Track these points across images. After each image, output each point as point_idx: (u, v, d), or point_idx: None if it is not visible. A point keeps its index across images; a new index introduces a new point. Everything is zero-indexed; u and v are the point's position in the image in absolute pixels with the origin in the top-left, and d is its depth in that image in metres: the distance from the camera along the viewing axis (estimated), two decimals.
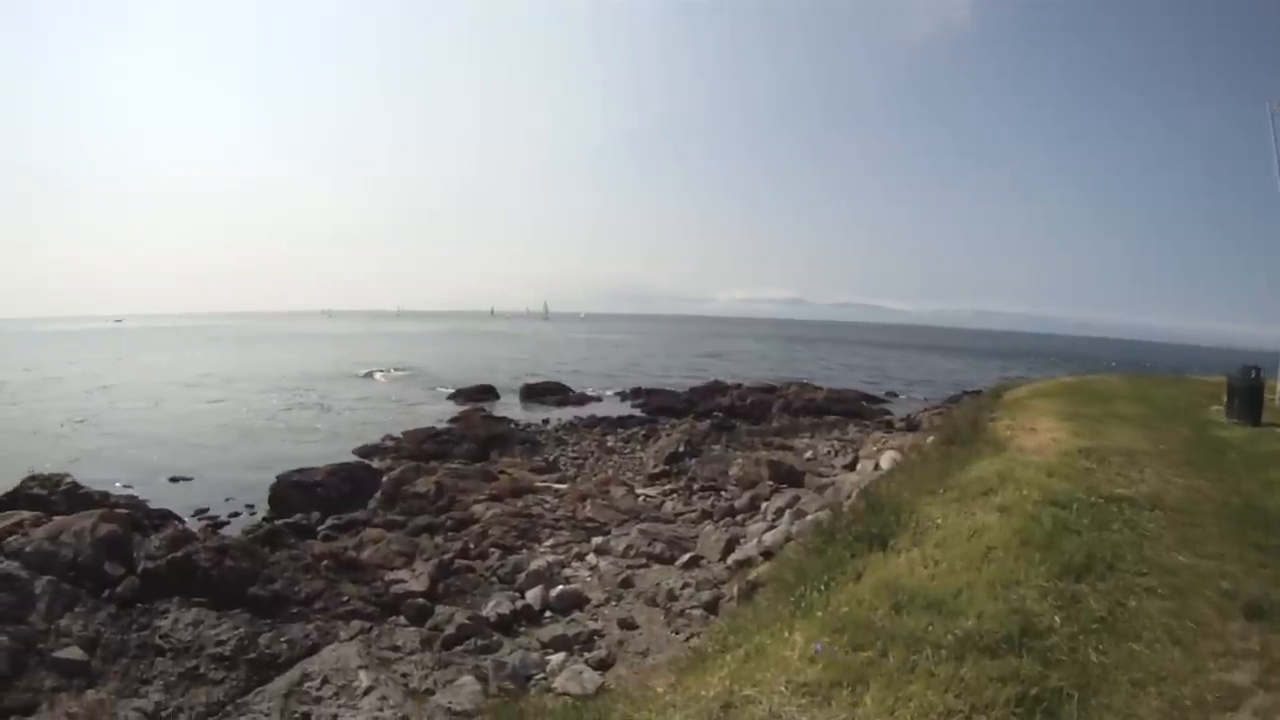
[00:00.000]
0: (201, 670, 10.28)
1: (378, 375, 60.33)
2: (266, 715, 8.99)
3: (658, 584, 13.31)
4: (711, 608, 12.00)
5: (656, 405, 40.75)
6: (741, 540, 14.91)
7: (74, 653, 10.50)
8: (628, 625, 11.95)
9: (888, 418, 35.94)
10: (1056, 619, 4.89)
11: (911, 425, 28.84)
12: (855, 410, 38.26)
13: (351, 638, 11.35)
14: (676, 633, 11.49)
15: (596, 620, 12.25)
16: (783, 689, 4.36)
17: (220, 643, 10.79)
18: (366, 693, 9.42)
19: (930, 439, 14.01)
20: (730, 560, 14.02)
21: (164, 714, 9.38)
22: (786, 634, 5.19)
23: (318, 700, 9.27)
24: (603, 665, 10.53)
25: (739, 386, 45.90)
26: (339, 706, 9.16)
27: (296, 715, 8.98)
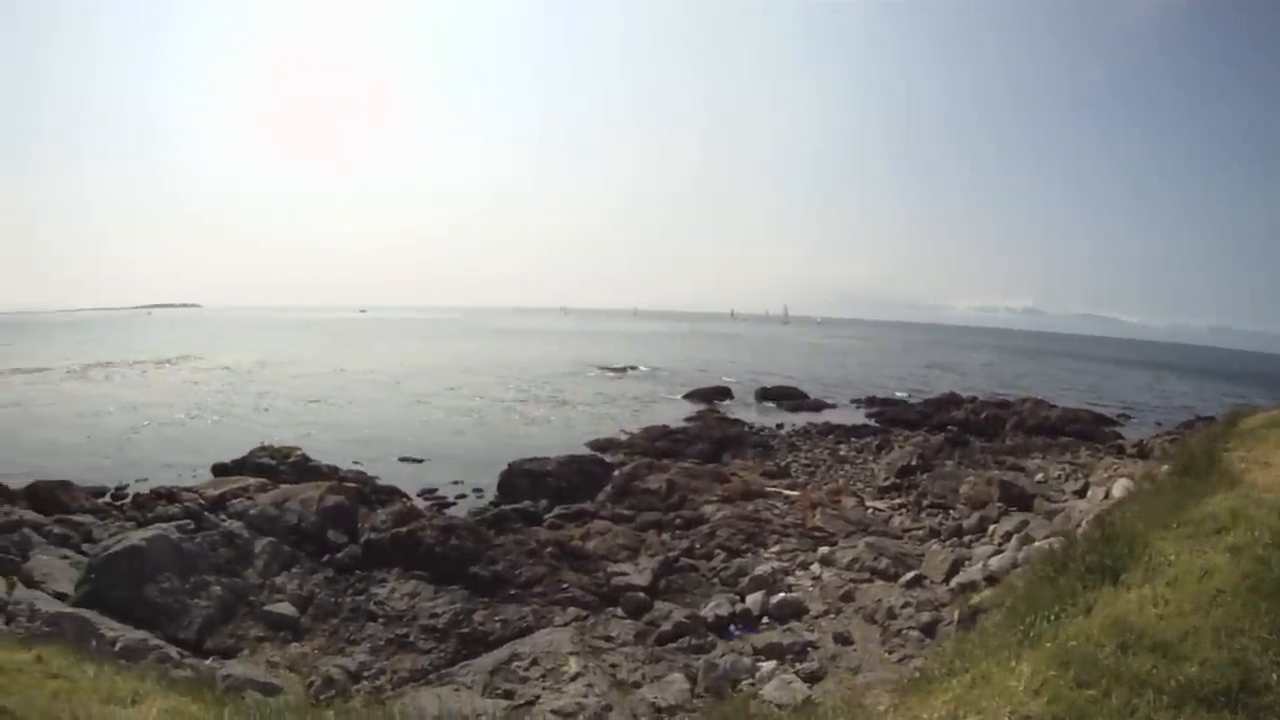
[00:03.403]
0: (411, 639, 10.82)
1: (613, 372, 61.96)
2: (470, 688, 9.26)
3: (878, 600, 12.68)
4: (929, 630, 11.35)
5: (890, 416, 39.21)
6: (966, 562, 14.04)
7: (285, 608, 11.37)
8: (843, 640, 11.50)
9: (1119, 442, 32.73)
10: (1274, 675, 4.50)
11: (1144, 452, 26.50)
12: (1088, 432, 34.97)
13: (566, 624, 11.63)
14: (890, 652, 10.93)
15: (813, 631, 11.85)
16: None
17: (434, 615, 11.33)
18: (574, 678, 9.54)
19: (1164, 468, 12.70)
20: (954, 582, 13.26)
21: (366, 674, 9.95)
22: (1013, 663, 4.99)
23: (524, 680, 9.45)
24: (813, 678, 10.17)
25: (973, 400, 43.51)
26: (543, 688, 9.27)
27: (499, 691, 9.17)
